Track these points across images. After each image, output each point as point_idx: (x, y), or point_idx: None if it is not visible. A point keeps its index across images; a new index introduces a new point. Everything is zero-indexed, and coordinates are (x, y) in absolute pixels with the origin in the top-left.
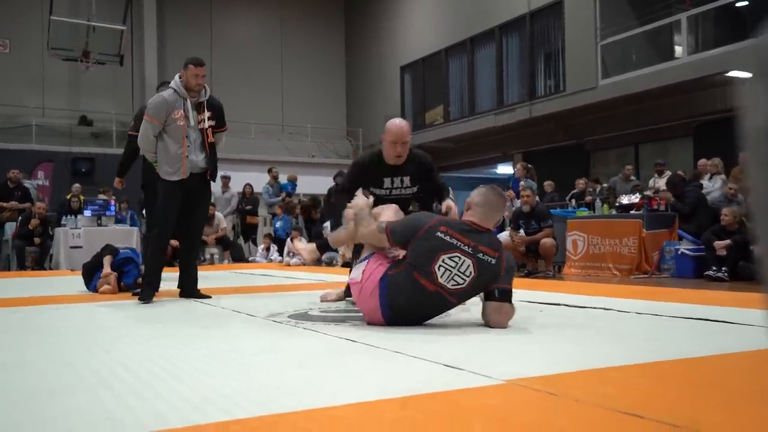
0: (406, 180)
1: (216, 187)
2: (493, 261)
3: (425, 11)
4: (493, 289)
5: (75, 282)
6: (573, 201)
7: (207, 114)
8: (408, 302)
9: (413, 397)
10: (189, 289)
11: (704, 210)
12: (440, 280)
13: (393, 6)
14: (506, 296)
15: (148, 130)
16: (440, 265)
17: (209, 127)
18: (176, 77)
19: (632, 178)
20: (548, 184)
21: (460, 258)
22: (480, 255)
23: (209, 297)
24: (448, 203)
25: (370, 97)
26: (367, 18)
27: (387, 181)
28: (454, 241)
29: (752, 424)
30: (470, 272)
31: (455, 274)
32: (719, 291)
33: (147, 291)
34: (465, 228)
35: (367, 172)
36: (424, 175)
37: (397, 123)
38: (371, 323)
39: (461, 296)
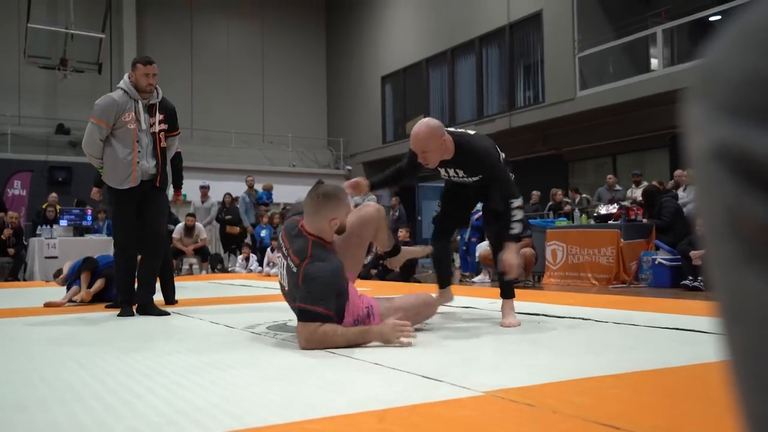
0: (460, 171)
1: (195, 197)
2: (294, 269)
3: (406, 22)
4: (295, 308)
5: (49, 293)
6: (551, 213)
7: (159, 117)
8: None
9: (391, 409)
10: (145, 304)
11: (680, 220)
12: (280, 279)
13: (374, 16)
14: (301, 316)
15: (94, 134)
16: (278, 264)
17: (161, 131)
18: (125, 77)
19: (618, 187)
20: (536, 194)
21: (281, 259)
22: (288, 260)
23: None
24: (506, 256)
25: (351, 107)
26: (348, 28)
27: (442, 171)
28: (281, 242)
29: None
30: (285, 275)
31: (282, 274)
32: (696, 300)
33: (125, 308)
34: (292, 232)
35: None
36: (479, 167)
37: (416, 128)
38: None
39: (295, 300)
